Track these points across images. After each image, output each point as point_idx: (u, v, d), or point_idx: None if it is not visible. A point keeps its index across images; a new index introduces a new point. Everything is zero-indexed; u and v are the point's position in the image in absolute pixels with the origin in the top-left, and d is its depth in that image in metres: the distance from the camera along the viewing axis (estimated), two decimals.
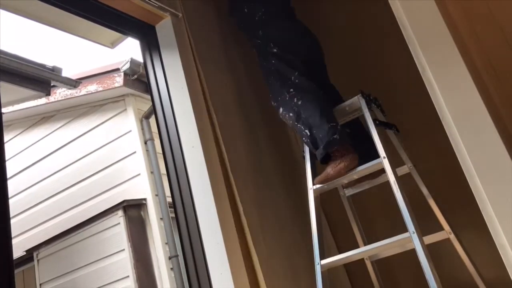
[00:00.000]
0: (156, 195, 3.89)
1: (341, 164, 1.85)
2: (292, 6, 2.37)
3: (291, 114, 2.00)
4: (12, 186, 4.54)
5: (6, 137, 4.65)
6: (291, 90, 2.02)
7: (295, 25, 2.27)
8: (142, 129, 4.11)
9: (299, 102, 1.97)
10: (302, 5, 2.51)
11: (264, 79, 2.19)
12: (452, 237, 1.85)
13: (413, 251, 1.61)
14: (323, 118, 1.89)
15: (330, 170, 1.88)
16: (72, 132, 4.50)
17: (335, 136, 1.84)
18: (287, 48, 2.13)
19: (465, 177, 1.27)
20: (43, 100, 4.31)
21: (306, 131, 1.93)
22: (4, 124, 1.49)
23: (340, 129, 1.88)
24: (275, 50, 2.12)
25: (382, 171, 1.87)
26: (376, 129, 1.88)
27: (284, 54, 2.11)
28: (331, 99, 2.12)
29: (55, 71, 3.37)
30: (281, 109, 2.05)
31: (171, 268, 3.71)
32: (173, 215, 2.07)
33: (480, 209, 1.24)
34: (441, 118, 1.33)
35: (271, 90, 2.13)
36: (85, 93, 4.21)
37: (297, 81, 2.03)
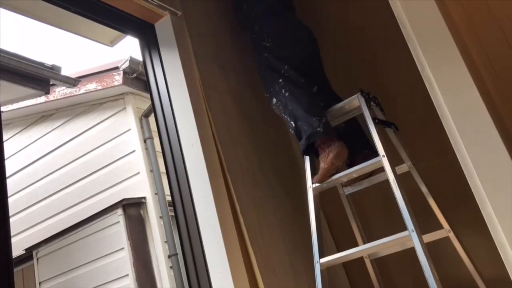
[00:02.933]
0: (156, 193, 3.89)
1: (331, 154, 1.89)
2: (294, 6, 2.45)
3: (279, 105, 2.10)
4: (12, 185, 4.54)
5: (5, 136, 4.65)
6: (280, 81, 2.11)
7: (289, 21, 2.35)
8: (142, 127, 4.10)
9: (287, 94, 2.07)
10: (302, 5, 2.52)
11: (258, 71, 2.29)
12: (451, 235, 1.85)
13: (412, 250, 1.61)
14: (308, 111, 1.97)
15: (323, 164, 1.91)
16: (71, 130, 4.50)
17: (318, 129, 1.91)
18: (279, 42, 2.23)
19: (465, 176, 1.28)
20: (42, 99, 4.30)
21: (292, 122, 2.02)
22: (3, 122, 1.49)
23: (325, 122, 1.94)
24: (268, 44, 2.22)
25: (382, 169, 1.87)
26: (376, 128, 1.88)
27: (276, 48, 2.21)
28: (323, 94, 2.22)
29: (54, 70, 3.36)
30: (274, 100, 2.14)
31: (171, 267, 3.71)
32: (173, 213, 2.07)
33: (480, 207, 1.25)
34: (440, 117, 1.33)
35: (264, 82, 2.24)
36: (84, 91, 4.21)
37: (286, 74, 2.12)
